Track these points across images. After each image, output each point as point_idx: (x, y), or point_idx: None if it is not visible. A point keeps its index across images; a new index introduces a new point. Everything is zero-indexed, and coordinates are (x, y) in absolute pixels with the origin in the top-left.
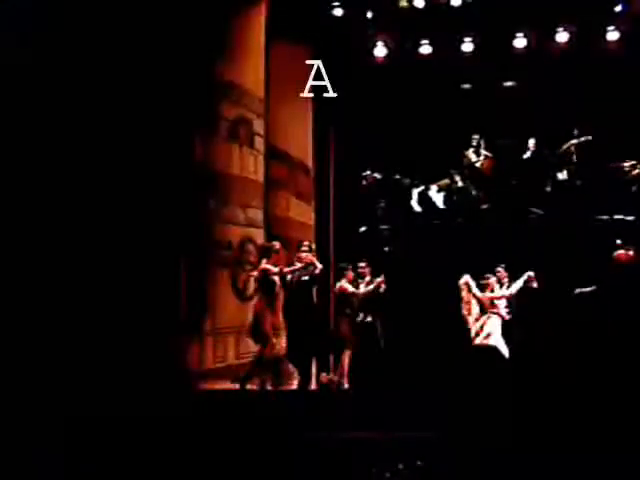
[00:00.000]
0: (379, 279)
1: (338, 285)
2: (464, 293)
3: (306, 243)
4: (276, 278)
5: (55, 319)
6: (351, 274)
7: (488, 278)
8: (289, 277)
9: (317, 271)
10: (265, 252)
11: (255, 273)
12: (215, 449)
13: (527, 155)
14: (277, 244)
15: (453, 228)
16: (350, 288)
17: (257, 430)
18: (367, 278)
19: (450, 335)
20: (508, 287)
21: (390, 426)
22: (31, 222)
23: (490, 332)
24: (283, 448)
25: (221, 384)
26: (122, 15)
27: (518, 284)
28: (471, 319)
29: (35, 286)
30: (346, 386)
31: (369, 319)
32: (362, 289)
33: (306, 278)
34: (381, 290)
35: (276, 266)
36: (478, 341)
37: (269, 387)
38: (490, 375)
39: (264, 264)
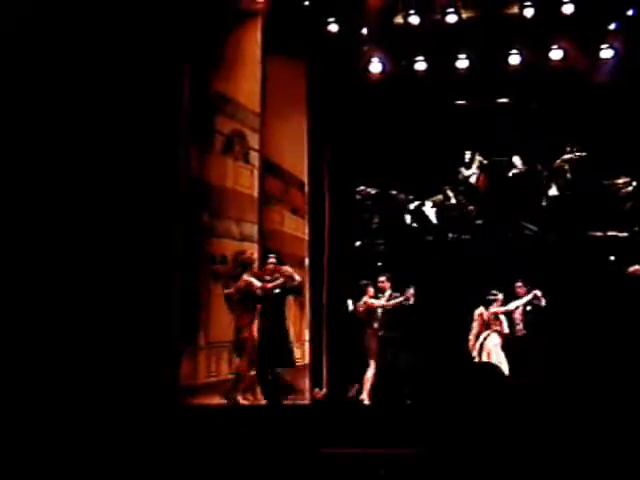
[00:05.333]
0: (410, 291)
1: (362, 302)
2: (476, 324)
3: (272, 255)
4: (259, 292)
5: (47, 330)
6: (371, 290)
7: (496, 295)
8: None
9: (296, 283)
10: (245, 265)
11: (238, 286)
12: (205, 465)
13: (514, 171)
14: (254, 255)
15: (447, 244)
16: (377, 302)
17: (248, 445)
18: (387, 292)
19: (444, 350)
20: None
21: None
22: (20, 233)
23: (490, 350)
24: (276, 464)
25: (213, 399)
26: (117, 27)
27: (523, 300)
28: (471, 337)
29: (26, 296)
30: (367, 402)
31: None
32: (391, 301)
33: (278, 291)
34: (410, 302)
35: (259, 280)
36: (479, 360)
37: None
38: (488, 393)
39: (247, 277)
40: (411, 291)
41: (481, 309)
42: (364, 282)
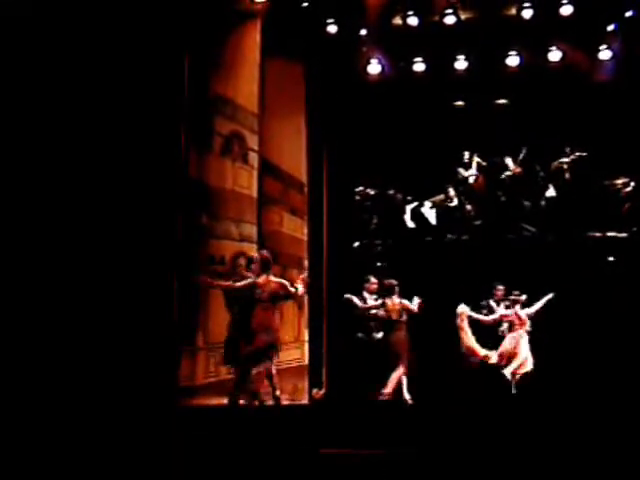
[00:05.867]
0: (418, 301)
1: (398, 302)
2: (459, 322)
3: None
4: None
5: (46, 331)
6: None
7: (519, 295)
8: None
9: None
10: (267, 265)
11: (270, 287)
12: (204, 466)
13: (507, 173)
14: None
15: (446, 244)
16: (412, 306)
17: (247, 446)
18: (374, 296)
19: (442, 351)
20: (507, 306)
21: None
22: (20, 241)
23: (527, 354)
24: (275, 464)
25: (212, 399)
26: (117, 29)
27: (543, 301)
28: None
29: (26, 297)
30: (386, 398)
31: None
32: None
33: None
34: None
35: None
36: (514, 366)
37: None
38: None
39: (277, 279)
40: (416, 301)
41: (462, 307)
42: (394, 282)
